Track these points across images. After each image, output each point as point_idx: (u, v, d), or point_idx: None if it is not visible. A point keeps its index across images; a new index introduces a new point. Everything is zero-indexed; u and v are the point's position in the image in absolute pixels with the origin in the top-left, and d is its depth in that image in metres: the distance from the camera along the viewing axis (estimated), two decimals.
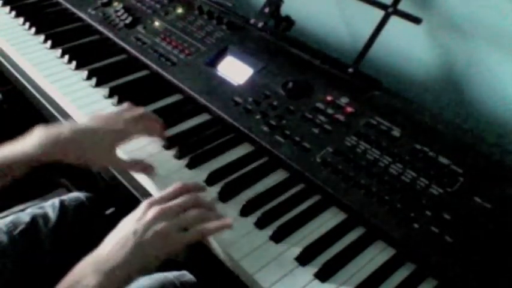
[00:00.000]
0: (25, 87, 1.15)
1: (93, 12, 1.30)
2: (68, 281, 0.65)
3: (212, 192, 0.84)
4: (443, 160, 0.83)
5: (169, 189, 0.76)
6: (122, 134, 0.86)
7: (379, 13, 1.01)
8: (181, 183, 0.78)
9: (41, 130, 0.81)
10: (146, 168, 0.87)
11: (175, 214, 0.71)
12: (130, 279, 0.67)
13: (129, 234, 0.68)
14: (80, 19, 1.32)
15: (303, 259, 0.74)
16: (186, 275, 0.87)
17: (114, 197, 1.10)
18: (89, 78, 1.10)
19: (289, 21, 1.19)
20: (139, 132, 0.89)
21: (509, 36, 0.94)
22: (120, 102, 1.03)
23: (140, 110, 0.90)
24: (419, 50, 1.10)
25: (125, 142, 0.87)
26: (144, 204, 0.73)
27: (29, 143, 0.80)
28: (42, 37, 1.22)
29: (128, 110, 0.90)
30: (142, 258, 0.67)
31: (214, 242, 0.76)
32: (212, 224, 0.72)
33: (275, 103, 0.97)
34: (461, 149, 0.85)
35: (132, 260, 0.66)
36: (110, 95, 1.05)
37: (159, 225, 0.69)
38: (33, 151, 0.79)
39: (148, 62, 1.14)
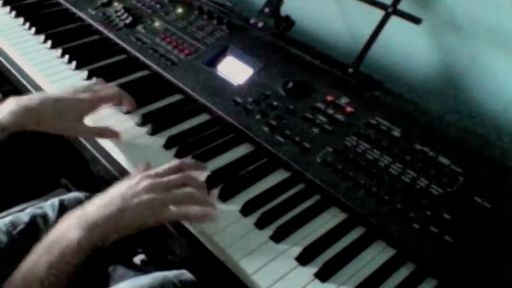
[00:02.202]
0: (25, 87, 1.14)
1: (93, 12, 1.30)
2: (54, 232, 0.70)
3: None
4: (443, 160, 0.83)
5: (168, 165, 0.80)
6: (89, 104, 0.91)
7: (379, 13, 1.01)
8: (181, 161, 0.82)
9: (13, 100, 0.86)
10: (112, 133, 0.92)
11: (165, 190, 0.75)
12: (110, 237, 0.71)
13: (117, 196, 0.72)
14: (80, 19, 1.32)
15: (303, 259, 0.74)
16: (185, 274, 0.87)
17: None
18: (89, 78, 1.10)
19: (289, 21, 1.19)
20: (106, 100, 0.94)
21: (509, 36, 0.94)
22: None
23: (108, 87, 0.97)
24: (420, 50, 1.10)
25: (92, 112, 0.92)
26: (141, 173, 0.77)
27: (1, 112, 0.85)
28: (42, 37, 1.22)
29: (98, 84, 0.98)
30: (122, 222, 0.71)
31: (213, 242, 0.76)
32: (194, 209, 0.76)
33: (275, 103, 0.97)
34: (461, 149, 0.85)
35: (113, 221, 0.70)
36: None
37: (147, 197, 0.72)
38: (4, 120, 0.84)
39: (148, 62, 1.14)
